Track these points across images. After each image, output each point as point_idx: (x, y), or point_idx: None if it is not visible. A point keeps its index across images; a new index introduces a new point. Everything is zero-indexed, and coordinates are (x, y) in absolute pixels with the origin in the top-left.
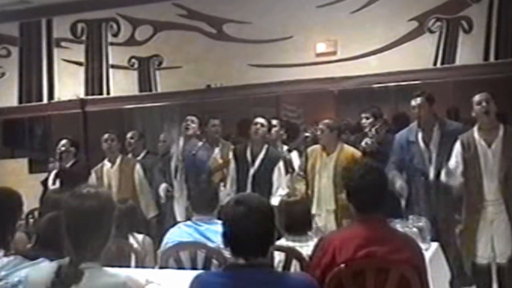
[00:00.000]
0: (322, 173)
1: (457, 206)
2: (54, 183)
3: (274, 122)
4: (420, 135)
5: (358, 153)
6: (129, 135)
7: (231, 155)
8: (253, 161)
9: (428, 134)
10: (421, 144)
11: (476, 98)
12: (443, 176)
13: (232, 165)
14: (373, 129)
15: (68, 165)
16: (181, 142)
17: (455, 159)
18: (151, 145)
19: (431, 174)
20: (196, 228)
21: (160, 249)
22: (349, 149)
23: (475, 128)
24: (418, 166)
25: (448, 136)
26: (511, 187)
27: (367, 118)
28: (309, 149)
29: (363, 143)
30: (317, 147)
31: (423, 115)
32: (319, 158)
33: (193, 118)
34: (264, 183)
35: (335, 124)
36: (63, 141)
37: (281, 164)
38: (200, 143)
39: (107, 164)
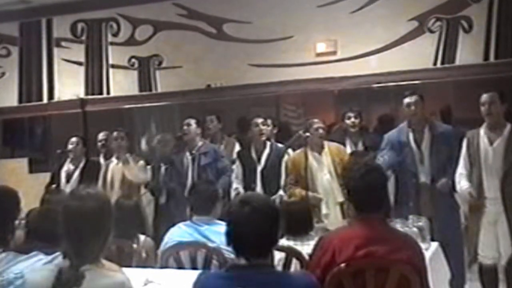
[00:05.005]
0: (322, 172)
1: (453, 207)
2: (68, 181)
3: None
4: (411, 136)
5: (341, 146)
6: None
7: (235, 151)
8: (259, 158)
9: (419, 135)
10: (413, 145)
11: (482, 98)
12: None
13: (239, 166)
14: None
15: (80, 164)
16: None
17: (462, 163)
18: (151, 145)
19: (423, 176)
20: (196, 228)
21: (160, 248)
22: (334, 145)
23: (483, 126)
24: (410, 168)
25: (438, 138)
26: (510, 187)
27: (355, 117)
28: (290, 158)
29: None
30: (301, 150)
31: (418, 113)
32: (312, 160)
33: (190, 120)
34: (273, 178)
35: (321, 123)
36: (74, 139)
37: (286, 157)
38: (200, 143)
39: (114, 161)
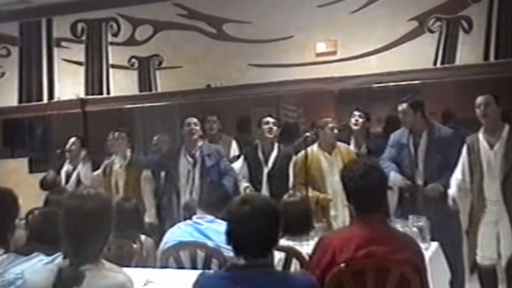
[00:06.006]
0: (332, 173)
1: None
2: (67, 182)
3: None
4: (411, 139)
5: (350, 148)
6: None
7: (232, 150)
8: (266, 160)
9: (417, 139)
10: (412, 148)
11: (477, 100)
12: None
13: (244, 165)
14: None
15: (80, 165)
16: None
17: (460, 168)
18: (150, 145)
19: (419, 180)
20: (196, 227)
21: (159, 248)
22: (344, 145)
23: (481, 130)
24: (406, 170)
25: (436, 143)
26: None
27: (360, 117)
28: (299, 157)
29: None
30: (310, 149)
31: (407, 121)
32: (323, 160)
33: (195, 120)
34: (280, 180)
35: (334, 123)
36: (72, 139)
37: (295, 157)
38: (200, 143)
39: (116, 163)
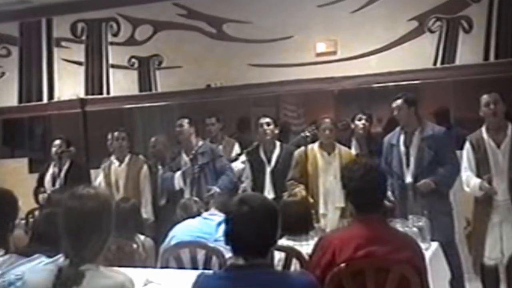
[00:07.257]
0: (327, 172)
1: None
2: (53, 185)
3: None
4: (402, 138)
5: (352, 153)
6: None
7: (234, 152)
8: (269, 159)
9: (409, 137)
10: (402, 147)
11: (484, 98)
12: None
13: (247, 167)
14: None
15: (65, 166)
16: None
17: (467, 165)
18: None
19: (409, 178)
20: (207, 222)
21: (163, 244)
22: (345, 149)
23: (483, 129)
24: (395, 170)
25: (428, 140)
26: None
27: (366, 120)
28: (299, 151)
29: None
30: (311, 146)
31: (402, 117)
32: (320, 158)
33: (182, 120)
34: (284, 177)
35: (335, 123)
36: (57, 141)
37: (296, 152)
38: (200, 143)
39: (115, 162)
